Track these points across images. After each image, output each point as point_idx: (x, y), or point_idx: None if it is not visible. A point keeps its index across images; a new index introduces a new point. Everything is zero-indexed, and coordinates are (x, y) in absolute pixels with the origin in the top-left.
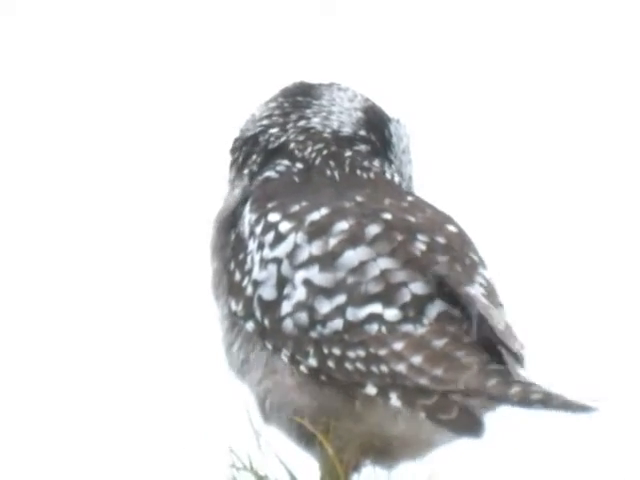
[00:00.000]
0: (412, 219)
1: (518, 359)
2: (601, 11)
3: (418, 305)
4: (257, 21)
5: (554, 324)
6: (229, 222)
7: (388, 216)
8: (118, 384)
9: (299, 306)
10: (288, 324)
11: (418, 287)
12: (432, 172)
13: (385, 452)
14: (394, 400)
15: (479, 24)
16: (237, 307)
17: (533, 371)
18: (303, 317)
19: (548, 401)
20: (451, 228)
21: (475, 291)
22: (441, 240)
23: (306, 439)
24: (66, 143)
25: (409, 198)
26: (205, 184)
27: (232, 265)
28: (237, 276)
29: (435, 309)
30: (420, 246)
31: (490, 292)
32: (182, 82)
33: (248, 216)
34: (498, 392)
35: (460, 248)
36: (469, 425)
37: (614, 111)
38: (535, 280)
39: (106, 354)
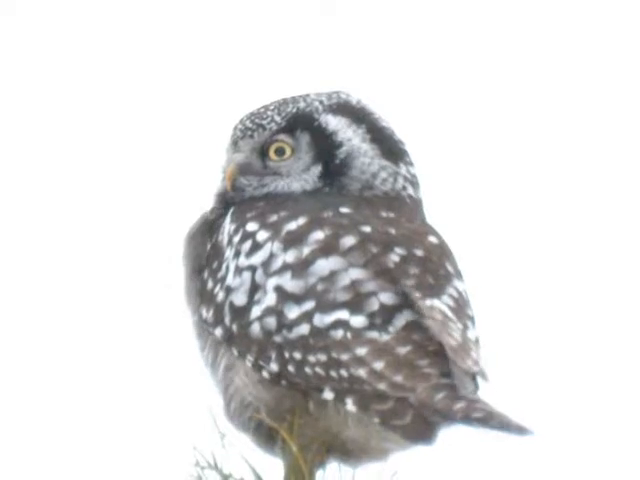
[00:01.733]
0: (392, 231)
1: (469, 375)
2: (601, 11)
3: (386, 314)
4: (257, 21)
5: (537, 327)
6: (203, 232)
7: (367, 229)
8: (85, 383)
9: (268, 311)
10: (255, 328)
11: (387, 297)
12: (431, 172)
13: (345, 452)
14: (350, 405)
15: (479, 24)
16: (207, 314)
17: (490, 384)
18: (271, 321)
19: (488, 420)
20: (432, 239)
21: (438, 304)
22: (419, 252)
23: (269, 439)
24: (66, 143)
25: (402, 211)
26: (203, 184)
27: (205, 273)
28: (210, 284)
29: (403, 319)
30: (394, 258)
31: (460, 304)
32: (182, 82)
33: (228, 226)
34: (443, 406)
35: (438, 259)
36: (421, 432)
37: (614, 111)
38: (526, 283)
39: (77, 353)
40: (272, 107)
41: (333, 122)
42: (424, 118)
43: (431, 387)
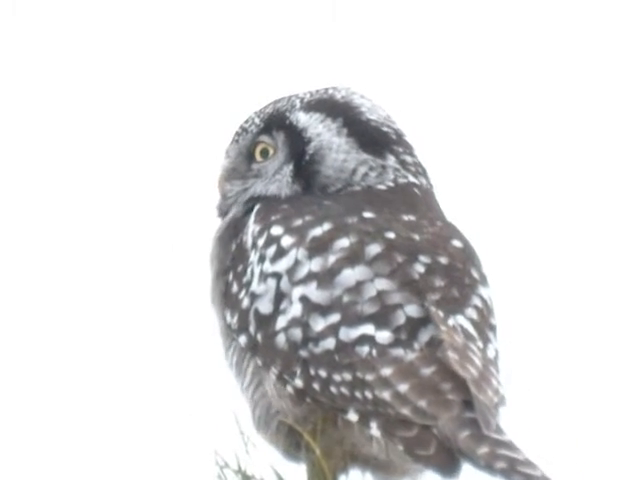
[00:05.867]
0: (416, 237)
1: (492, 407)
2: (601, 11)
3: (411, 328)
4: (257, 22)
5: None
6: (229, 233)
7: (391, 235)
8: (107, 384)
9: (294, 322)
10: (281, 339)
11: (413, 310)
12: (431, 172)
13: (368, 466)
14: (374, 429)
15: (479, 25)
16: (232, 319)
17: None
18: (297, 333)
19: (511, 472)
20: (456, 243)
21: (461, 321)
22: (443, 260)
23: (297, 447)
24: (66, 143)
25: (421, 211)
26: (203, 184)
27: (231, 276)
28: (234, 287)
29: (427, 333)
30: (419, 269)
31: (483, 315)
32: (182, 83)
33: (252, 226)
34: (467, 448)
35: (463, 265)
36: (445, 464)
37: (614, 111)
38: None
39: (97, 354)
40: (257, 110)
41: (303, 119)
42: (424, 117)
43: (454, 420)
